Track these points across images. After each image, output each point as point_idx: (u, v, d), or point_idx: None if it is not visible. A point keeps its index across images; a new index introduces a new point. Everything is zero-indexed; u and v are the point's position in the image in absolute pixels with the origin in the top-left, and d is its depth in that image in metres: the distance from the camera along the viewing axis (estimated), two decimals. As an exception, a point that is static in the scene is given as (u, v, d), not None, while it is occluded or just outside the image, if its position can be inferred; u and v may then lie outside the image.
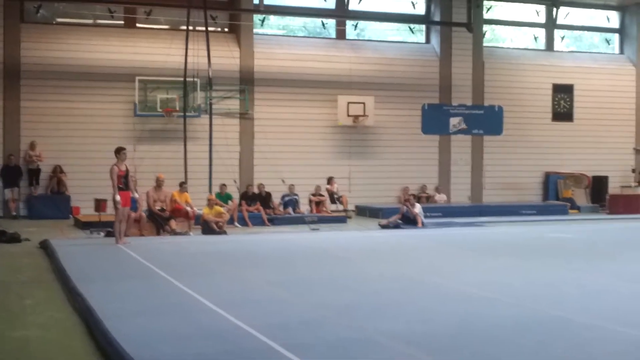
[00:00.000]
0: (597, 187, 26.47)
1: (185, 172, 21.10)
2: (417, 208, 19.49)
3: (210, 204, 17.92)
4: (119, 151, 14.60)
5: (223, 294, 9.16)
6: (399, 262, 12.50)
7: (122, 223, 14.66)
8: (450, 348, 6.68)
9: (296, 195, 21.52)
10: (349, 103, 23.55)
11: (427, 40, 26.35)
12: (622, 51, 28.83)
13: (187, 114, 21.76)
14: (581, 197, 26.14)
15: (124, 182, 14.40)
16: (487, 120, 24.73)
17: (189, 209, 17.18)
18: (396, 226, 18.84)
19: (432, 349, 6.61)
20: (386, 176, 24.54)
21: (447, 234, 17.73)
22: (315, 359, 6.18)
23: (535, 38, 27.99)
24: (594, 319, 7.89)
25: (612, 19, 28.84)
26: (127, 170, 14.53)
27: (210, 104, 21.77)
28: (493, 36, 27.79)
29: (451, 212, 22.86)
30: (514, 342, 6.91)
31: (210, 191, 20.19)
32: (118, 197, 14.28)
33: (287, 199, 21.35)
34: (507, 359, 6.34)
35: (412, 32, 26.30)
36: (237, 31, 23.58)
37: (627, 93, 28.01)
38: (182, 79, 21.39)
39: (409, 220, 19.19)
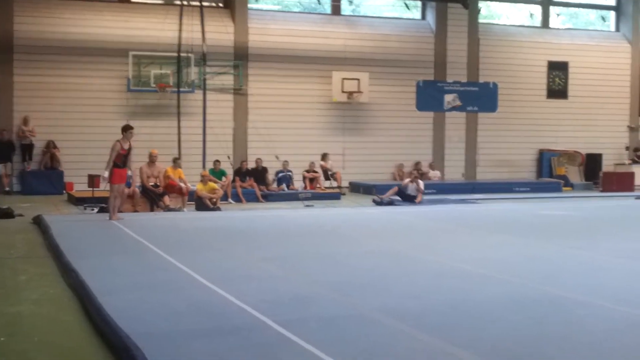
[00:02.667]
0: (591, 164, 26.51)
1: (179, 148, 21.08)
2: (422, 185, 19.61)
3: (204, 180, 17.90)
4: (126, 129, 14.56)
5: (216, 270, 9.17)
6: (392, 239, 12.51)
7: (117, 199, 14.65)
8: (443, 324, 6.69)
9: (290, 171, 21.51)
10: (343, 79, 23.50)
11: (423, 17, 26.26)
12: (617, 28, 28.76)
13: (180, 89, 21.68)
14: (575, 174, 26.18)
15: (122, 160, 14.37)
16: (481, 97, 24.70)
17: (182, 185, 17.15)
18: (390, 203, 18.85)
19: (425, 325, 6.63)
20: (380, 153, 24.54)
21: (441, 211, 17.75)
22: (308, 335, 6.18)
23: (531, 15, 27.90)
24: (589, 296, 7.91)
25: (608, -5, 28.80)
26: (129, 149, 14.48)
27: (204, 80, 21.70)
28: (489, 13, 27.68)
29: (445, 189, 22.89)
30: (507, 319, 6.93)
31: (203, 167, 20.16)
32: (106, 174, 14.32)
33: (280, 175, 21.34)
34: (500, 335, 6.35)
35: (408, 8, 26.19)
36: (232, 6, 23.45)
37: (622, 71, 27.99)
38: (176, 54, 21.29)
39: (406, 197, 19.21)
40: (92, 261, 9.64)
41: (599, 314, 7.21)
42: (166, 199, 16.98)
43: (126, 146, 14.40)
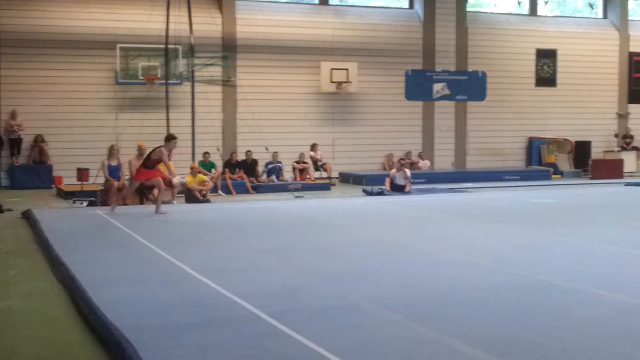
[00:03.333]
0: (580, 152, 26.58)
1: (168, 140, 20.99)
2: (409, 173, 19.63)
3: (193, 172, 17.86)
4: (169, 139, 14.57)
5: (207, 262, 9.15)
6: (382, 229, 12.52)
7: (116, 195, 14.60)
8: (433, 313, 6.71)
9: (280, 162, 21.50)
10: (332, 69, 23.48)
11: (411, 6, 26.22)
12: (605, 16, 28.80)
13: (169, 81, 21.60)
14: (564, 162, 26.24)
15: (152, 165, 14.30)
16: (470, 86, 24.74)
17: (174, 178, 17.09)
18: (379, 193, 18.85)
19: (415, 314, 6.64)
20: (370, 143, 24.53)
21: (431, 200, 17.76)
22: (299, 326, 6.18)
23: (519, 3, 27.91)
24: (578, 283, 7.94)
25: (596, -17, 28.82)
26: (167, 157, 14.45)
27: (193, 72, 21.62)
28: (477, 1, 27.67)
29: (435, 178, 22.91)
30: (497, 306, 6.95)
31: (193, 159, 20.12)
32: (176, 180, 14.98)
33: (270, 166, 21.32)
34: (490, 323, 6.37)
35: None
36: (219, -3, 23.38)
37: (610, 58, 28.04)
38: (163, 46, 21.19)
39: (395, 187, 19.22)
40: (81, 255, 9.61)
41: (588, 301, 7.24)
42: (156, 191, 16.92)
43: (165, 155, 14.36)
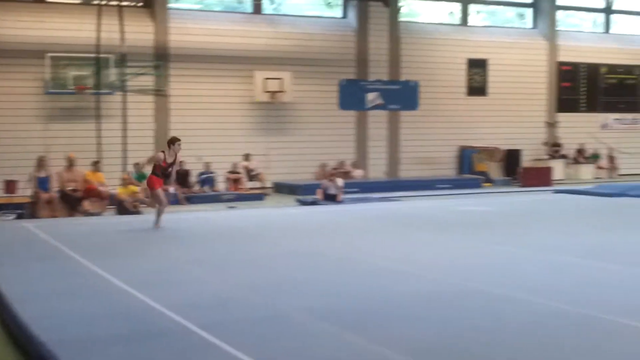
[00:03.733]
0: (511, 160, 26.98)
1: (99, 151, 20.68)
2: (341, 182, 19.66)
3: (124, 183, 17.62)
4: (173, 142, 14.02)
5: (136, 274, 9.01)
6: (316, 238, 12.50)
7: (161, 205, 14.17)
8: (367, 323, 6.72)
9: (213, 173, 21.36)
10: (266, 79, 23.42)
11: (344, 15, 26.33)
12: (535, 26, 29.33)
13: (100, 91, 21.28)
14: (495, 170, 26.61)
15: (162, 172, 13.86)
16: (403, 96, 24.90)
17: (102, 188, 16.86)
18: (313, 202, 18.86)
19: (349, 324, 6.64)
20: (304, 152, 24.52)
21: (365, 209, 17.81)
22: (230, 337, 6.13)
23: (451, 13, 28.27)
24: (509, 290, 8.04)
25: (525, -6, 29.38)
26: (173, 162, 13.93)
27: (124, 81, 21.34)
28: (409, 11, 27.92)
29: (368, 187, 23.01)
30: (431, 315, 7.00)
31: (124, 170, 19.85)
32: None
33: (203, 177, 21.17)
34: (425, 332, 6.40)
35: (330, 6, 26.26)
36: (152, 5, 23.11)
37: (540, 67, 28.58)
38: (94, 55, 20.88)
39: (328, 196, 19.24)
40: (7, 268, 9.40)
41: (519, 308, 7.32)
42: (86, 203, 16.66)
43: (170, 159, 13.88)
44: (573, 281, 8.74)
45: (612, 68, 29.90)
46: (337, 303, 7.50)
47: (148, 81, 22.37)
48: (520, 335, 6.35)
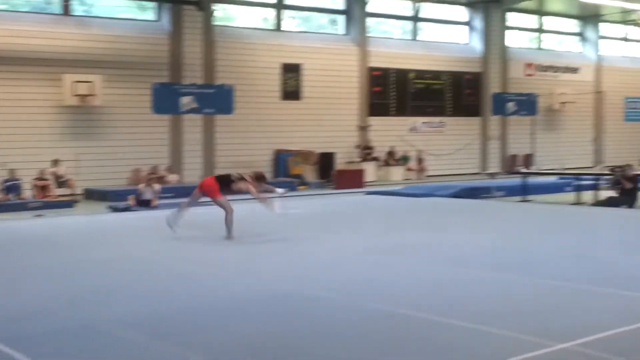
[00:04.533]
0: (325, 163, 27.51)
1: None
2: (157, 187, 19.34)
3: None
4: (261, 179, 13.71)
5: None
6: (129, 245, 12.27)
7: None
8: (178, 330, 6.68)
9: (18, 180, 20.45)
10: (75, 82, 22.68)
11: (158, 18, 25.93)
12: (347, 32, 30.01)
13: None
14: (310, 173, 27.05)
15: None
16: (218, 100, 24.81)
17: None
18: (126, 209, 18.47)
19: (159, 332, 6.57)
20: (116, 157, 23.92)
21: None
22: (32, 350, 5.91)
23: (265, 18, 28.46)
24: (324, 291, 8.23)
25: (337, 0, 29.99)
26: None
27: None
28: (225, 15, 27.88)
29: (184, 192, 22.58)
30: (246, 319, 7.14)
31: None
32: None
33: (8, 184, 20.23)
34: (240, 335, 6.48)
35: (143, 9, 25.79)
36: (-50, 5, 21.88)
37: (351, 72, 29.29)
38: None
39: (142, 202, 18.90)
40: None
41: (330, 307, 7.50)
42: None
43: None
44: (380, 279, 9.02)
45: (420, 73, 31.10)
46: (149, 311, 7.41)
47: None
48: (329, 335, 6.50)
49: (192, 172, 25.49)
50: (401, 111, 30.51)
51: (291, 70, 27.78)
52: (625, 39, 39.02)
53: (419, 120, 30.95)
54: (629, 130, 37.79)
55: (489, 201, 21.20)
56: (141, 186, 19.45)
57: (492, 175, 30.62)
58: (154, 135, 24.85)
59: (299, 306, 7.63)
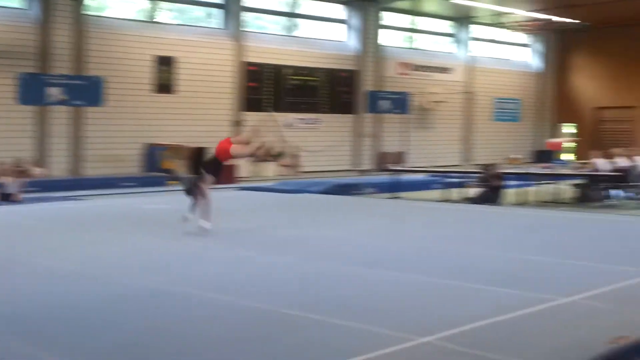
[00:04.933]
0: (198, 157, 27.08)
1: None
2: (22, 181, 18.68)
3: None
4: None
5: None
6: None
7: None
8: (42, 330, 6.51)
9: None
10: None
11: (27, 6, 24.96)
12: (224, 26, 29.73)
13: None
14: (182, 168, 26.64)
15: None
16: (87, 91, 24.17)
17: None
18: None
19: (20, 331, 6.31)
20: (-23, 150, 22.96)
21: (45, 209, 17.13)
22: None
23: (140, 10, 27.88)
24: (188, 287, 8.14)
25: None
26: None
27: None
28: (98, 5, 27.13)
29: (50, 186, 22.00)
30: (109, 318, 6.93)
31: None
32: None
33: None
34: (101, 337, 6.28)
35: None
36: None
37: (227, 67, 29.08)
38: None
39: (5, 196, 18.19)
40: None
41: (197, 303, 7.40)
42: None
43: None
44: (246, 276, 8.96)
45: (296, 70, 31.18)
46: (6, 310, 7.08)
47: None
48: (201, 331, 6.44)
49: (60, 166, 24.74)
50: (276, 107, 30.48)
51: (165, 63, 27.33)
52: (496, 41, 40.28)
53: (294, 117, 31.01)
54: (497, 130, 39.09)
55: (359, 198, 21.47)
56: (5, 179, 18.68)
57: (364, 172, 31.04)
58: (18, 127, 23.88)
59: (162, 304, 7.48)
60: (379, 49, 33.85)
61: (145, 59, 26.86)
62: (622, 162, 21.07)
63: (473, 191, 20.73)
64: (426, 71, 35.98)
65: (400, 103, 32.49)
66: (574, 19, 36.73)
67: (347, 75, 32.78)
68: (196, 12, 30.21)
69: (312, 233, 13.08)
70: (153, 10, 28.03)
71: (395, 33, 36.02)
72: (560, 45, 41.71)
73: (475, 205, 19.06)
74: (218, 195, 20.83)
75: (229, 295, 7.76)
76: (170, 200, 18.98)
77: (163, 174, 25.27)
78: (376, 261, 10.05)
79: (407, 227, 14.45)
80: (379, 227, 14.11)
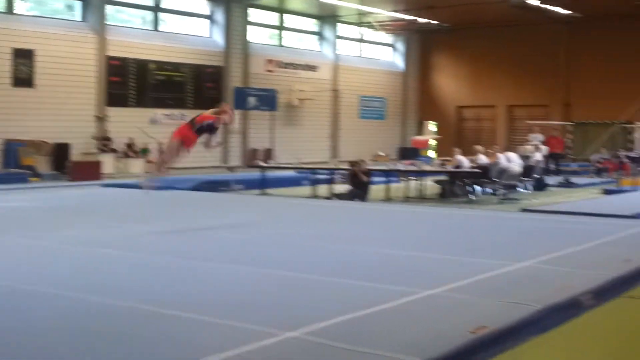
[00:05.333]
0: (60, 153, 26.35)
1: None
2: None
3: None
4: None
5: None
6: None
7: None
8: None
9: None
10: None
11: None
12: (84, 19, 28.91)
13: None
14: (43, 164, 25.80)
15: None
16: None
17: None
18: None
19: None
20: None
21: None
22: None
23: (-5, 0, 26.79)
24: (39, 285, 7.83)
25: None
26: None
27: None
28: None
29: None
30: None
31: None
32: None
33: None
34: None
35: None
36: None
37: (89, 61, 28.27)
38: None
39: None
40: None
41: (52, 302, 7.16)
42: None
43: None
44: (107, 272, 8.73)
45: (161, 65, 30.66)
46: None
47: None
48: (50, 330, 6.18)
49: None
50: (141, 102, 29.92)
51: (23, 56, 26.30)
52: (361, 40, 40.89)
53: (159, 112, 30.49)
54: (364, 128, 39.70)
55: (227, 194, 21.34)
56: None
57: (232, 168, 30.86)
58: None
59: (16, 302, 7.18)
60: (246, 45, 33.75)
61: (2, 51, 25.77)
62: (482, 159, 21.78)
63: (341, 187, 20.96)
64: (294, 69, 36.12)
65: (268, 100, 32.47)
66: (434, 20, 37.71)
67: (214, 71, 32.53)
68: (56, 4, 29.23)
69: (178, 228, 12.88)
70: (10, 1, 26.91)
71: (263, 30, 36.02)
72: (423, 46, 42.76)
73: (343, 201, 19.25)
74: (80, 192, 20.40)
75: (85, 293, 7.50)
76: (33, 198, 18.38)
77: (24, 171, 24.34)
78: (241, 258, 9.91)
79: (275, 222, 14.42)
80: (244, 224, 14.00)
